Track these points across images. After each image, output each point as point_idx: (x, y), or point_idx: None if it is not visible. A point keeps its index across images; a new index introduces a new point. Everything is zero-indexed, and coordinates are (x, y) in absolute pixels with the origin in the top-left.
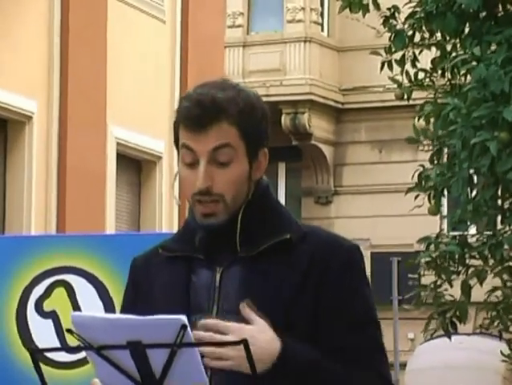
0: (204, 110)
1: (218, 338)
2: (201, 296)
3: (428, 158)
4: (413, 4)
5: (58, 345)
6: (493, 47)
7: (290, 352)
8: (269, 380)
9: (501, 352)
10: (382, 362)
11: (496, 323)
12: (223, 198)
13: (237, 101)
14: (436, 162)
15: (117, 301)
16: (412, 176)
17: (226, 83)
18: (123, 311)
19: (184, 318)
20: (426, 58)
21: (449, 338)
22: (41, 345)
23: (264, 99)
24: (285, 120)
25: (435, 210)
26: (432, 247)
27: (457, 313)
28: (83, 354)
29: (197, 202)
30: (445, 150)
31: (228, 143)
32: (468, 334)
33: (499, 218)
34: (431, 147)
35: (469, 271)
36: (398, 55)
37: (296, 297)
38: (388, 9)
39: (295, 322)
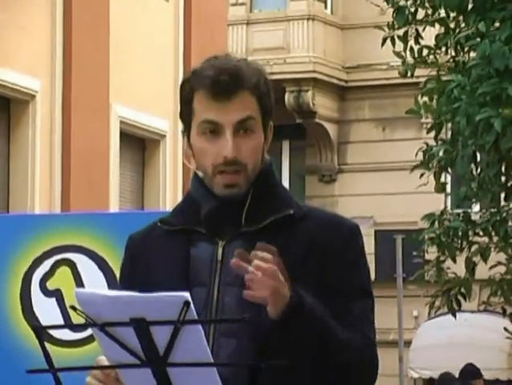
0: (231, 76)
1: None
2: (202, 269)
3: (427, 131)
4: None
5: (62, 323)
6: (496, 24)
7: (301, 298)
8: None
9: (505, 329)
10: (369, 328)
11: (499, 298)
12: (246, 168)
13: (254, 72)
14: (437, 137)
15: None
16: (416, 154)
17: (234, 57)
18: (119, 287)
19: (187, 294)
20: (430, 34)
21: (454, 316)
22: (45, 323)
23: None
24: (289, 98)
25: (441, 188)
26: (436, 224)
27: (462, 290)
28: (87, 333)
29: (218, 173)
30: (449, 126)
31: (251, 115)
32: (472, 312)
33: (503, 195)
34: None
35: (473, 248)
36: (401, 32)
37: (297, 271)
38: None
39: None
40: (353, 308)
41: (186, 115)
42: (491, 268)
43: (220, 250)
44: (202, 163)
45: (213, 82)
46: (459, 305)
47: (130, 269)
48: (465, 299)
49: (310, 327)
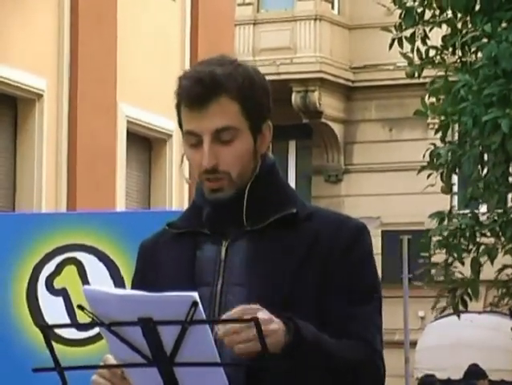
0: (204, 86)
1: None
2: (207, 269)
3: (434, 132)
4: None
5: (68, 322)
6: (503, 24)
7: (302, 331)
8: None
9: (511, 330)
10: (374, 335)
11: (506, 300)
12: (229, 175)
13: (236, 76)
14: (444, 138)
15: (127, 279)
16: (424, 155)
17: (224, 59)
18: None
19: (195, 294)
20: (437, 35)
21: (458, 316)
22: (51, 322)
23: (274, 77)
24: (295, 98)
25: (448, 189)
26: (445, 222)
27: (468, 290)
28: (94, 332)
29: (205, 179)
30: (456, 127)
31: (230, 125)
32: (478, 312)
33: (510, 196)
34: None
35: (480, 249)
36: (408, 33)
37: (301, 271)
38: None
39: (299, 295)
40: (358, 313)
41: (179, 123)
42: (499, 271)
43: (223, 250)
44: (193, 172)
45: (187, 93)
46: (465, 305)
47: (141, 275)
48: (471, 300)
49: (314, 356)
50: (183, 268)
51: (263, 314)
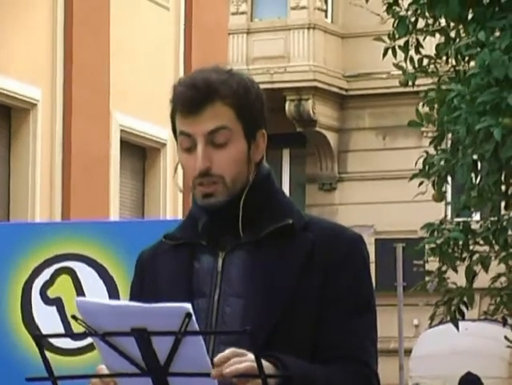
0: (198, 91)
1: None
2: (204, 281)
3: (429, 142)
4: None
5: (62, 332)
6: (496, 33)
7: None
8: None
9: (505, 338)
10: (369, 351)
11: (500, 309)
12: (223, 179)
13: (231, 83)
14: (438, 147)
15: (122, 289)
16: (416, 163)
17: (219, 68)
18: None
19: (188, 306)
20: (430, 44)
21: (456, 327)
22: (45, 332)
23: (268, 85)
24: (289, 107)
25: (439, 197)
26: (435, 233)
27: (464, 299)
28: (88, 341)
29: (198, 185)
30: (449, 136)
31: (223, 125)
32: (473, 320)
33: (503, 204)
34: (435, 134)
35: (474, 257)
36: (401, 42)
37: (298, 281)
38: None
39: (297, 306)
40: (354, 326)
41: (173, 130)
42: (492, 281)
43: (220, 261)
44: (187, 178)
45: (183, 98)
46: (462, 315)
47: (139, 286)
48: (467, 308)
49: None
50: (181, 279)
51: (249, 365)
